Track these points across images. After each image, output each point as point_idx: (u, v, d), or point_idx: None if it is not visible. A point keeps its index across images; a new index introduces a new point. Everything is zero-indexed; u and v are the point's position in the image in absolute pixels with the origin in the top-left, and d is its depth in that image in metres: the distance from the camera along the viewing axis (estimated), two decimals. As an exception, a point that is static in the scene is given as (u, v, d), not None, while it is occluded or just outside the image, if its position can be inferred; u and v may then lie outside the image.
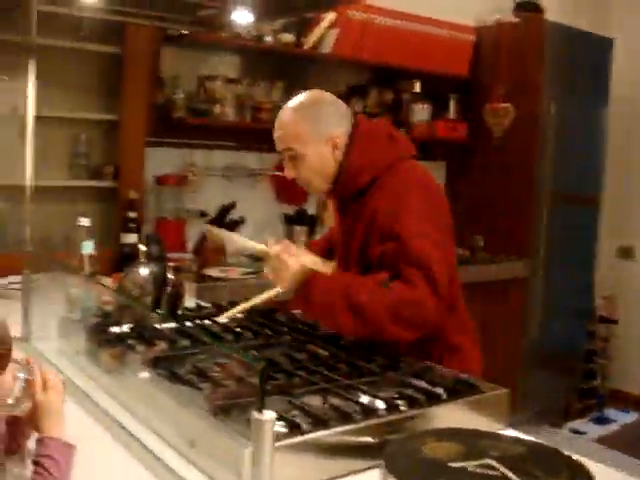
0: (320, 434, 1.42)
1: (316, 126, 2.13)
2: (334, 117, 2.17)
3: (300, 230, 4.32)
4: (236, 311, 2.28)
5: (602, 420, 5.18)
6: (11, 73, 3.33)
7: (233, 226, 3.95)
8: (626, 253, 5.74)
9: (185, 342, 1.98)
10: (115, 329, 2.08)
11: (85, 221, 2.41)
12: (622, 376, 5.61)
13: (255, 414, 1.20)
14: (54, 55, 3.42)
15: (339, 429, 1.45)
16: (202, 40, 3.82)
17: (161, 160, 3.99)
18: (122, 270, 2.68)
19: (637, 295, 5.62)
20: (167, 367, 1.75)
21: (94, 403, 1.79)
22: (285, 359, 1.87)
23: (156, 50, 3.76)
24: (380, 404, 1.58)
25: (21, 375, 1.43)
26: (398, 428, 1.51)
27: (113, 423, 1.67)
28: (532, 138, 4.75)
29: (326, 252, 2.45)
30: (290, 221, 4.38)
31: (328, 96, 2.24)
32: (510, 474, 1.19)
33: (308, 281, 2.02)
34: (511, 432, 1.62)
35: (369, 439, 1.48)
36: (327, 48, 4.32)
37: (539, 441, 1.39)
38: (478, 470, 1.21)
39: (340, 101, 2.24)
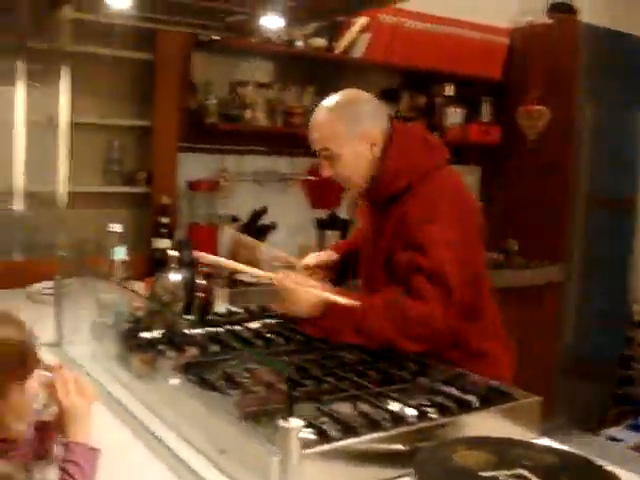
0: (349, 442, 1.40)
1: (352, 125, 2.12)
2: (370, 115, 2.16)
3: (332, 235, 4.31)
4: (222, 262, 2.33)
5: (638, 427, 5.09)
6: (46, 81, 3.37)
7: (264, 231, 3.95)
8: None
9: (215, 348, 1.99)
10: (146, 334, 2.08)
11: (116, 227, 2.42)
12: (660, 382, 5.52)
13: (281, 422, 1.19)
14: (87, 62, 3.46)
15: (368, 437, 1.43)
16: (233, 46, 3.84)
17: (193, 165, 4.00)
18: (154, 275, 2.69)
19: (675, 300, 5.51)
20: (197, 373, 1.75)
21: (124, 408, 1.80)
22: (315, 365, 1.86)
23: (187, 56, 3.78)
24: (410, 411, 1.56)
25: (47, 380, 1.45)
26: (429, 436, 1.49)
27: (142, 428, 1.68)
28: (567, 141, 4.69)
29: (347, 255, 2.45)
30: (322, 226, 4.38)
31: (364, 94, 2.23)
32: (542, 484, 1.17)
33: (317, 309, 2.02)
34: (544, 440, 1.60)
35: (399, 447, 1.46)
36: (358, 52, 4.30)
37: (571, 450, 1.36)
38: (510, 480, 1.19)
39: (376, 99, 2.24)
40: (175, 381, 1.76)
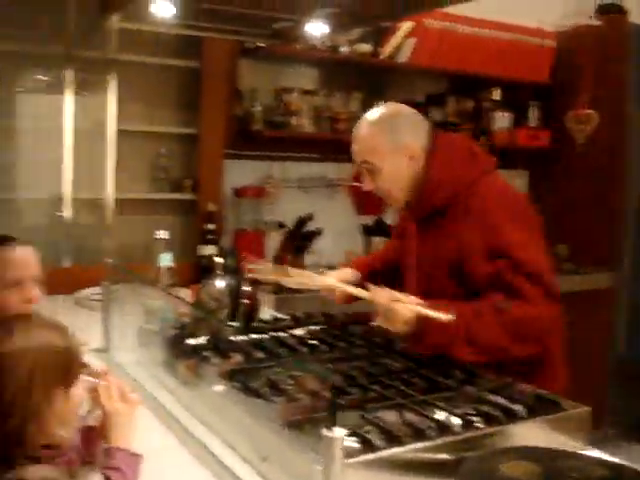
0: (394, 451, 1.39)
1: (393, 139, 2.11)
2: (411, 129, 2.14)
3: (379, 241, 4.28)
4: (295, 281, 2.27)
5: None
6: (93, 89, 3.42)
7: (310, 237, 3.95)
8: None
9: (260, 354, 1.99)
10: (191, 341, 2.09)
11: (163, 234, 2.44)
12: None
13: (325, 431, 1.18)
14: (134, 71, 3.50)
15: (413, 446, 1.41)
16: (278, 52, 3.85)
17: (239, 172, 4.02)
18: (200, 282, 2.70)
19: None
20: (242, 380, 1.75)
21: (169, 414, 1.81)
22: (360, 373, 1.84)
23: (233, 63, 3.79)
24: (456, 420, 1.54)
25: (92, 386, 1.46)
26: (474, 446, 1.46)
27: (187, 434, 1.68)
28: (617, 144, 4.61)
29: (372, 272, 2.41)
30: (369, 232, 4.36)
31: (405, 108, 2.21)
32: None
33: (424, 327, 1.94)
34: (593, 452, 1.56)
35: (444, 456, 1.44)
36: (404, 57, 4.28)
37: (622, 462, 1.33)
38: (557, 492, 1.17)
39: (418, 113, 2.21)
40: (220, 388, 1.77)
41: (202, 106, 3.69)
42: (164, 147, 3.71)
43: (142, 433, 1.49)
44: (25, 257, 1.85)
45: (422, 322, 1.92)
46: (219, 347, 2.01)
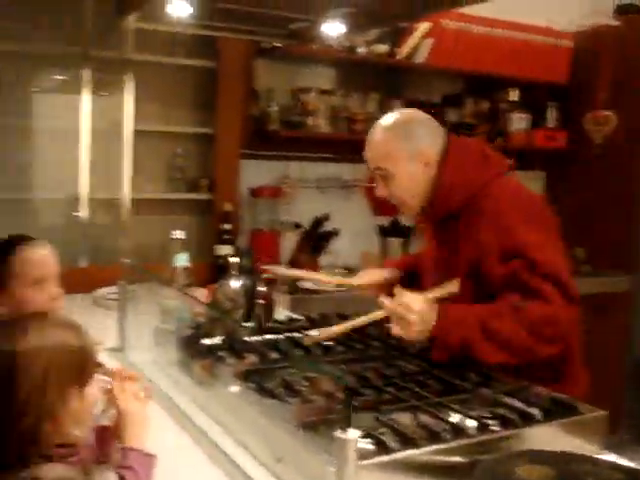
0: (408, 453, 1.38)
1: (407, 145, 2.10)
2: (426, 135, 2.13)
3: (395, 242, 4.28)
4: (335, 331, 2.08)
5: None
6: (110, 89, 3.44)
7: (327, 238, 3.95)
8: None
9: (275, 355, 1.98)
10: (207, 341, 2.09)
11: (179, 234, 2.44)
12: None
13: (338, 433, 1.17)
14: (150, 71, 3.51)
15: (427, 448, 1.41)
16: (295, 53, 3.85)
17: (256, 172, 4.03)
18: (216, 282, 2.70)
19: None
20: (257, 380, 1.74)
21: (184, 413, 1.81)
22: (375, 374, 1.84)
23: (250, 63, 3.80)
24: (471, 423, 1.53)
25: (106, 385, 1.46)
26: (489, 449, 1.45)
27: (202, 434, 1.68)
28: (635, 145, 4.56)
29: (412, 270, 2.40)
30: (385, 232, 4.35)
31: (420, 114, 2.19)
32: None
33: (441, 326, 1.91)
34: (610, 456, 1.55)
35: (458, 459, 1.43)
36: (421, 58, 4.27)
37: (638, 467, 1.31)
38: (573, 497, 1.16)
39: (432, 119, 2.19)
40: (235, 388, 1.77)
41: (218, 106, 3.69)
42: (180, 147, 3.72)
43: (156, 433, 1.49)
44: (46, 256, 1.88)
45: (438, 323, 1.91)
46: (234, 347, 2.02)
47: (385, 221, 4.39)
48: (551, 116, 4.92)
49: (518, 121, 4.75)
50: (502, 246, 1.98)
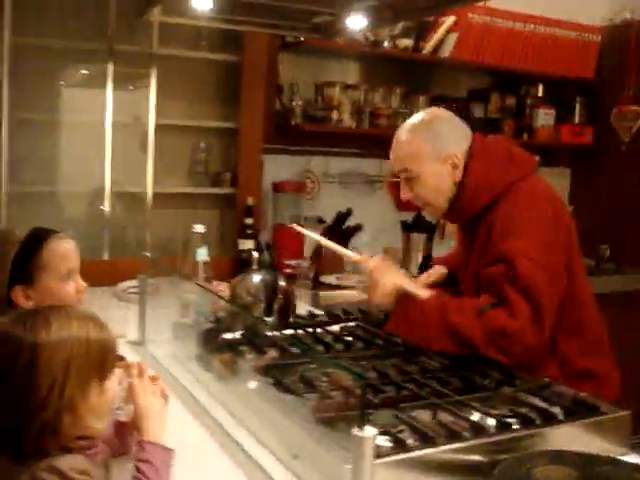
0: (426, 452, 1.37)
1: (433, 145, 2.08)
2: (452, 136, 2.11)
3: (418, 237, 4.25)
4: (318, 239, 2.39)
5: None
6: (133, 83, 3.45)
7: (350, 233, 3.93)
8: None
9: (295, 350, 1.98)
10: (227, 335, 2.09)
11: (199, 228, 2.44)
12: None
13: (355, 430, 1.16)
14: (174, 65, 3.52)
15: (446, 447, 1.39)
16: (319, 47, 3.83)
17: (279, 167, 4.02)
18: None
19: None
20: (276, 375, 1.74)
21: (203, 408, 1.80)
22: (395, 371, 1.83)
23: (273, 58, 3.79)
24: (491, 422, 1.51)
25: (126, 379, 1.46)
26: (509, 448, 1.44)
27: (219, 429, 1.68)
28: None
29: (451, 270, 2.38)
30: (407, 228, 4.32)
31: (445, 113, 2.17)
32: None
33: (401, 301, 1.98)
34: (633, 457, 1.52)
35: (478, 458, 1.41)
36: (447, 52, 4.24)
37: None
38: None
39: (458, 119, 2.17)
40: (254, 383, 1.77)
41: (242, 100, 3.68)
42: (203, 141, 3.72)
43: (175, 427, 1.49)
44: (72, 249, 1.89)
45: (400, 298, 1.98)
46: (254, 342, 2.01)
47: (408, 216, 4.36)
48: (577, 112, 4.87)
49: (544, 117, 4.71)
50: (497, 249, 1.96)
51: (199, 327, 2.15)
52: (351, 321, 2.37)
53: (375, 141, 4.05)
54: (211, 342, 2.04)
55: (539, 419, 1.54)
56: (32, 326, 1.24)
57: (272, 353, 1.96)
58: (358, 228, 3.95)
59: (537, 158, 2.22)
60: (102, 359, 1.30)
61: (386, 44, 4.09)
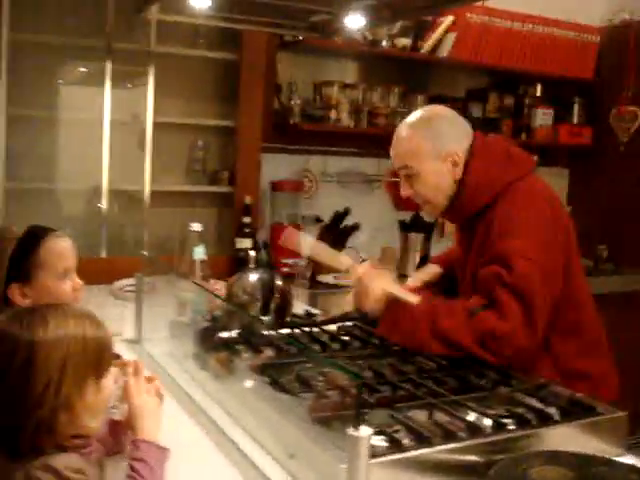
0: (421, 452, 1.36)
1: (433, 143, 2.07)
2: (453, 134, 2.10)
3: (416, 237, 4.25)
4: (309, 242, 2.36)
5: None
6: (132, 81, 3.44)
7: (347, 232, 3.93)
8: None
9: (291, 349, 1.97)
10: (223, 334, 2.09)
11: (197, 226, 2.44)
12: None
13: (351, 430, 1.16)
14: (172, 63, 3.51)
15: (442, 447, 1.39)
16: (318, 46, 3.83)
17: (277, 166, 4.02)
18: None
19: None
20: (272, 374, 1.74)
21: (198, 407, 1.80)
22: (391, 371, 1.82)
23: (272, 56, 3.78)
24: (487, 422, 1.51)
25: (121, 378, 1.46)
26: (505, 448, 1.43)
27: (215, 428, 1.68)
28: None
29: (449, 269, 2.38)
30: (405, 228, 4.32)
31: (447, 111, 2.17)
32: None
33: (391, 307, 1.98)
34: (629, 458, 1.52)
35: (474, 458, 1.41)
36: (445, 52, 4.24)
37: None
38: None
39: (460, 117, 2.16)
40: (250, 382, 1.76)
41: (240, 99, 3.68)
42: (201, 139, 3.71)
43: (170, 426, 1.49)
44: (69, 247, 1.88)
45: (390, 303, 1.97)
46: (250, 341, 2.01)
47: (406, 216, 4.36)
48: (576, 112, 4.87)
49: (542, 117, 4.72)
50: (495, 248, 1.95)
51: (196, 326, 2.15)
52: (347, 321, 2.37)
53: (373, 140, 4.06)
54: (207, 341, 2.04)
55: (535, 419, 1.54)
56: (29, 324, 1.24)
57: (268, 352, 1.96)
58: (356, 227, 3.95)
59: (535, 158, 2.21)
60: (98, 357, 1.30)
61: (384, 43, 4.09)
